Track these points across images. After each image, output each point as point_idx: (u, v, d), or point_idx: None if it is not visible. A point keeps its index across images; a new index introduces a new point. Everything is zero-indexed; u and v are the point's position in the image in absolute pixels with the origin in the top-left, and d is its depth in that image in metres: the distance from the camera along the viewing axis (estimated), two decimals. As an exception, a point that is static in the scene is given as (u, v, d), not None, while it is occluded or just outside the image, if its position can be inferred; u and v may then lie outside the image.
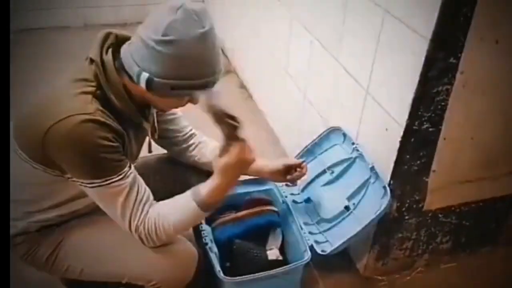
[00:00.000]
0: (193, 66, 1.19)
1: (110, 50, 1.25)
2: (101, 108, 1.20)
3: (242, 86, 3.19)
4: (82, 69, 1.25)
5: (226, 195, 1.36)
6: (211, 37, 1.19)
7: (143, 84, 1.20)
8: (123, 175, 1.23)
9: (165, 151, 1.70)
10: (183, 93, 1.23)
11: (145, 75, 1.19)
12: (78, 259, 1.42)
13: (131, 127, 1.32)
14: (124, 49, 1.25)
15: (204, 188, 1.32)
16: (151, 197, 1.32)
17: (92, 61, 1.24)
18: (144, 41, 1.17)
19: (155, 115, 1.47)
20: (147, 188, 1.32)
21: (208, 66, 1.21)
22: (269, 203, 1.87)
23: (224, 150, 1.31)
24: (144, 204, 1.29)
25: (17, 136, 1.27)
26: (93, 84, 1.22)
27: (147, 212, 1.29)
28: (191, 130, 1.66)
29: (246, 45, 3.08)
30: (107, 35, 1.28)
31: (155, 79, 1.19)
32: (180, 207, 1.34)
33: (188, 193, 1.34)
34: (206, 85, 1.23)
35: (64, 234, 1.42)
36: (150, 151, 1.54)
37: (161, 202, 1.34)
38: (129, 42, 1.25)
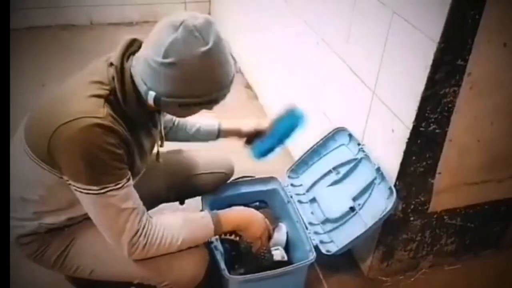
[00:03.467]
0: (198, 85, 1.17)
1: (131, 58, 1.25)
2: (111, 113, 1.19)
3: (248, 86, 3.19)
4: (99, 71, 1.25)
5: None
6: (216, 53, 1.16)
7: (151, 102, 1.20)
8: (120, 185, 1.22)
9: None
10: (192, 110, 1.24)
11: (152, 94, 1.18)
12: (88, 259, 1.42)
13: (140, 133, 1.32)
14: (134, 66, 1.23)
15: (224, 216, 1.44)
16: (145, 210, 1.31)
17: (111, 64, 1.24)
18: (147, 62, 1.16)
19: (162, 122, 1.46)
20: (141, 202, 1.30)
21: (215, 82, 1.19)
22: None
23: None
24: (141, 217, 1.27)
25: (27, 135, 1.27)
26: (107, 88, 1.22)
27: (146, 224, 1.28)
28: None
29: (252, 45, 3.08)
30: (132, 42, 1.28)
31: (162, 98, 1.18)
32: (195, 226, 1.38)
33: (205, 215, 1.41)
34: (216, 100, 1.22)
35: (75, 234, 1.42)
36: (158, 160, 1.52)
37: (169, 215, 1.36)
38: (137, 56, 1.23)
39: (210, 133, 1.74)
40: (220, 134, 1.75)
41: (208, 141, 1.77)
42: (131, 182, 1.27)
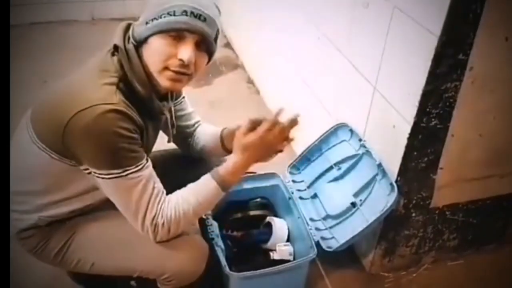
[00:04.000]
0: None
1: (131, 40, 1.27)
2: (123, 99, 1.21)
3: (250, 81, 3.18)
4: (104, 61, 1.26)
5: (244, 173, 1.41)
6: None
7: (132, 39, 1.25)
8: (140, 166, 1.23)
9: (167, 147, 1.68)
10: (159, 24, 1.21)
11: (130, 32, 1.27)
12: (89, 253, 1.42)
13: (150, 119, 1.33)
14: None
15: (223, 167, 1.36)
16: (164, 190, 1.32)
17: (115, 51, 1.25)
18: None
19: (173, 110, 1.47)
20: (160, 183, 1.31)
21: None
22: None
23: (250, 129, 1.36)
24: (160, 197, 1.29)
25: (36, 125, 1.27)
26: (116, 75, 1.23)
27: (163, 203, 1.29)
28: (199, 122, 1.66)
29: (253, 40, 3.07)
30: (128, 26, 1.31)
31: (135, 27, 1.26)
32: (199, 189, 1.35)
33: (206, 175, 1.37)
34: (174, 11, 1.21)
35: (75, 227, 1.41)
36: (169, 140, 1.55)
37: (178, 190, 1.35)
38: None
39: (214, 134, 1.63)
40: (223, 135, 1.61)
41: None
42: (150, 163, 1.28)
